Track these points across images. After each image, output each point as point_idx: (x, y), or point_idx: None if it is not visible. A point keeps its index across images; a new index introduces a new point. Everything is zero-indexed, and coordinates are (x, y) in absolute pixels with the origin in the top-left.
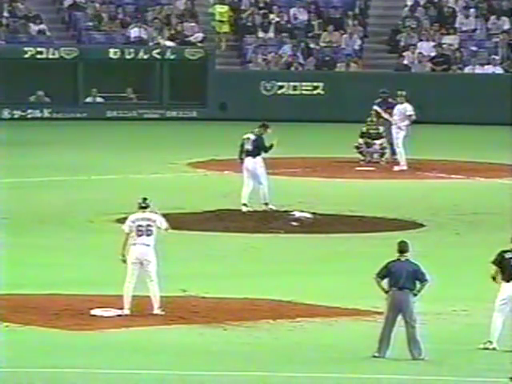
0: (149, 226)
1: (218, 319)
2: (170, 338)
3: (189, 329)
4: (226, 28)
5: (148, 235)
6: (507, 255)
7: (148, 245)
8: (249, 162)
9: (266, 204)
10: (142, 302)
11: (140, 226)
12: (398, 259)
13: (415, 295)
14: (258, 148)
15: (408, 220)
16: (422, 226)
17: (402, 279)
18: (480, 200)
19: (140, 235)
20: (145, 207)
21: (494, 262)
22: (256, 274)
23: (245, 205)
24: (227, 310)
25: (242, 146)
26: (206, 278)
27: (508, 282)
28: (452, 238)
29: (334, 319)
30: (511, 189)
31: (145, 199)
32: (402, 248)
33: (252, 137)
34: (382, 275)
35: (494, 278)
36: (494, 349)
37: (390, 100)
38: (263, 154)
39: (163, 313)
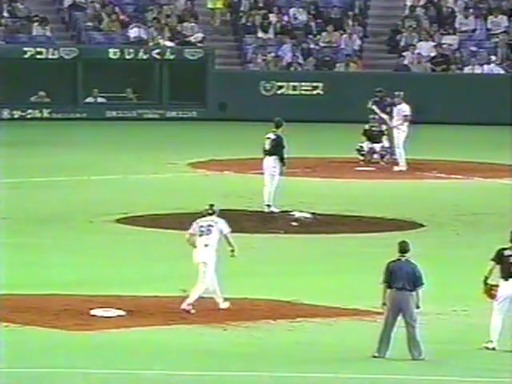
0: (210, 226)
1: (218, 319)
2: (170, 338)
3: (188, 329)
4: (219, 4)
5: (207, 234)
6: (506, 252)
7: (207, 245)
8: (265, 161)
9: (269, 206)
10: (142, 302)
11: (201, 226)
12: (399, 259)
13: (418, 307)
14: (275, 147)
15: (408, 220)
16: (421, 226)
17: (401, 280)
18: (480, 200)
19: (200, 235)
20: (212, 213)
21: (493, 260)
22: (256, 274)
23: (268, 206)
24: (227, 310)
25: (264, 145)
26: None
27: (507, 280)
28: (452, 238)
29: (333, 319)
30: (511, 189)
31: (211, 205)
32: (403, 248)
33: (272, 136)
34: (386, 279)
35: (485, 283)
36: (493, 348)
37: (388, 99)
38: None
39: (228, 305)
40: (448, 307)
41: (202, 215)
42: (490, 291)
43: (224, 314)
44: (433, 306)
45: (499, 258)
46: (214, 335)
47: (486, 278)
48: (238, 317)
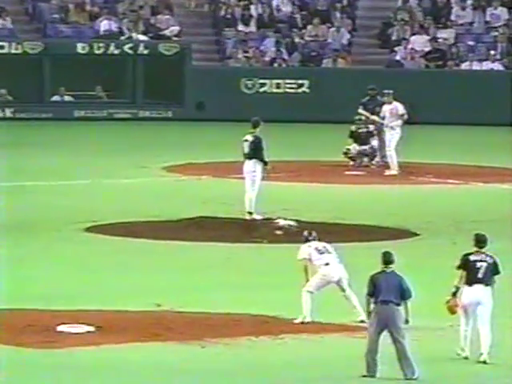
0: (325, 246)
1: (196, 336)
2: (144, 356)
3: (163, 346)
4: None
5: (330, 253)
6: (472, 258)
7: (340, 261)
8: (245, 165)
9: (250, 213)
10: (113, 317)
11: (317, 247)
12: (383, 271)
13: (407, 322)
14: (254, 150)
15: (401, 228)
16: (416, 234)
17: (387, 292)
18: (478, 207)
19: (322, 253)
20: (311, 240)
21: (459, 267)
22: (238, 287)
23: (249, 213)
24: (206, 325)
25: (242, 149)
26: (182, 291)
27: (471, 285)
28: (448, 247)
29: (320, 335)
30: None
31: (310, 233)
32: (387, 259)
33: (250, 138)
34: (370, 292)
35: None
36: (466, 358)
37: (378, 98)
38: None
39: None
40: (444, 322)
41: (303, 241)
42: (452, 306)
43: (202, 329)
44: (428, 320)
45: (465, 264)
46: (190, 352)
47: (458, 287)
48: (218, 333)
